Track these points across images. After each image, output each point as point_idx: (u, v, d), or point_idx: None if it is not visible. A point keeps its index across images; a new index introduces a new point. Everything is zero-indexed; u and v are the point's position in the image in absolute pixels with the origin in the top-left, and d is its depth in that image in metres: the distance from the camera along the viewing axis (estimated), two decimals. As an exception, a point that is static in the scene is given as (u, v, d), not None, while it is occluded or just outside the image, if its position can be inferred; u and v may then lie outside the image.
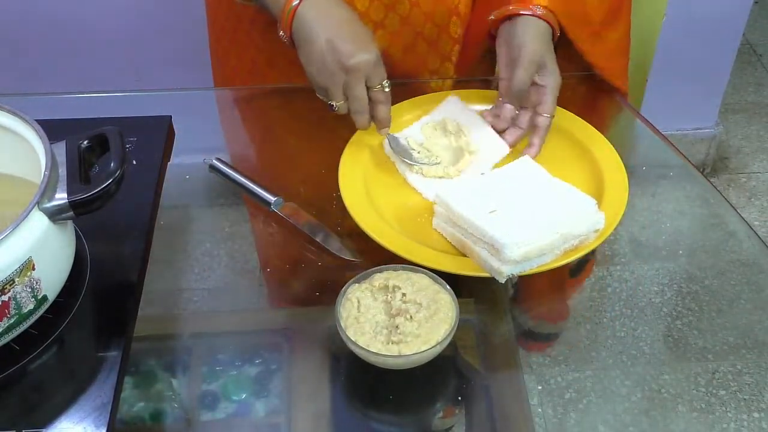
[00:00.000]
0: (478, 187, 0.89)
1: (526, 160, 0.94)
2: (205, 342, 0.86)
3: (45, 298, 0.73)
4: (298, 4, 0.93)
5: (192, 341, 0.87)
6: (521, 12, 0.98)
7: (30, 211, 0.70)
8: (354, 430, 0.78)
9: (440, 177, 0.97)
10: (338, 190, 0.93)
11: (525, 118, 1.00)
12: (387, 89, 0.94)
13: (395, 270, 0.80)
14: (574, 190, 0.88)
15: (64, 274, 0.76)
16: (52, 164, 0.73)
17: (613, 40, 1.10)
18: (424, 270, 0.80)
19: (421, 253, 0.85)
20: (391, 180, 0.98)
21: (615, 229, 0.88)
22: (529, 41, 0.96)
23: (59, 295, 0.76)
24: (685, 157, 1.06)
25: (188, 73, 1.69)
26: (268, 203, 0.94)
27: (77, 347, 0.77)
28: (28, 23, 1.86)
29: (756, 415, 0.78)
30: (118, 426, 0.72)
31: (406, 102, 1.06)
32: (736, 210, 0.98)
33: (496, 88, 1.02)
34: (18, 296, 0.69)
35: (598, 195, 0.91)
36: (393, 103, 0.98)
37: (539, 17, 0.98)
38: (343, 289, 0.78)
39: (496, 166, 0.98)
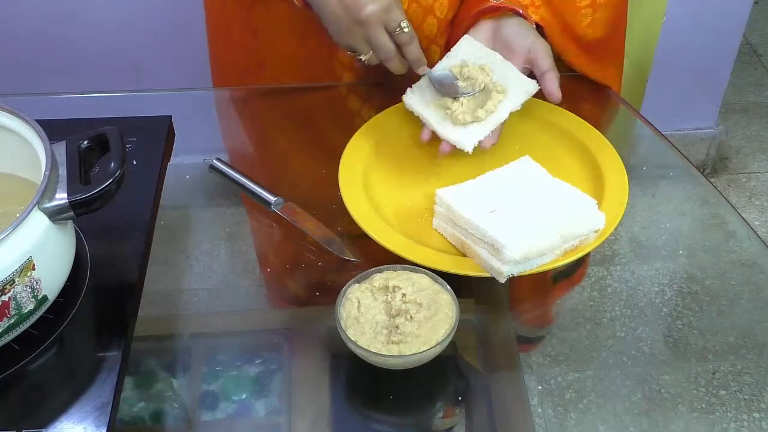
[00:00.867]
0: (478, 187, 0.89)
1: (526, 160, 0.94)
2: (205, 342, 0.86)
3: (45, 298, 0.73)
4: None
5: (192, 341, 0.87)
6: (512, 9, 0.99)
7: (30, 211, 0.70)
8: (354, 430, 0.78)
9: (470, 122, 0.95)
10: (338, 190, 0.93)
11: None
12: (406, 30, 0.92)
13: (395, 270, 0.80)
14: (574, 190, 0.88)
15: (64, 274, 0.76)
16: (52, 164, 0.73)
17: (604, 53, 1.11)
18: (424, 270, 0.80)
19: (421, 253, 0.85)
20: (391, 180, 0.98)
21: (615, 229, 0.88)
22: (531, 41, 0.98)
23: (59, 295, 0.76)
24: (685, 157, 1.06)
25: (188, 73, 1.69)
26: (268, 203, 0.94)
27: (77, 347, 0.77)
28: (28, 23, 1.86)
29: (756, 415, 0.78)
30: (118, 426, 0.72)
31: (399, 105, 1.06)
32: (736, 210, 0.98)
33: None
34: (18, 296, 0.69)
35: (598, 195, 0.91)
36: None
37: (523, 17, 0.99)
38: (343, 289, 0.78)
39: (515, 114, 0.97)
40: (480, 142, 0.95)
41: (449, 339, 0.75)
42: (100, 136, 0.78)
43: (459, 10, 1.07)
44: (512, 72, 0.98)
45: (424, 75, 0.98)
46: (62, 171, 0.74)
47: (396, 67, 0.96)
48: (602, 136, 1.02)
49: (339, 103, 1.15)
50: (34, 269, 0.70)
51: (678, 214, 1.02)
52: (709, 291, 0.92)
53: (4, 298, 0.68)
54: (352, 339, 0.74)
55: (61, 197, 0.72)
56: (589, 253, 0.86)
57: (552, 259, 0.84)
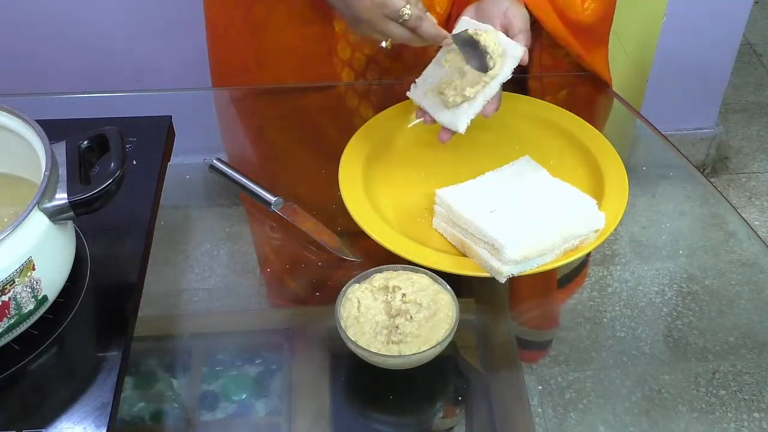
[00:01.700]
0: (478, 187, 0.89)
1: (526, 160, 0.94)
2: (205, 342, 0.86)
3: (45, 298, 0.73)
4: None
5: (192, 341, 0.87)
6: None
7: (30, 211, 0.70)
8: (354, 430, 0.78)
9: (461, 103, 0.92)
10: (338, 190, 0.93)
11: None
12: (407, 16, 0.90)
13: (395, 270, 0.80)
14: (574, 190, 0.88)
15: (64, 274, 0.76)
16: (52, 164, 0.73)
17: (593, 35, 1.10)
18: (424, 270, 0.80)
19: (421, 253, 0.85)
20: (391, 180, 0.98)
21: (615, 229, 0.88)
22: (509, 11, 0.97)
23: (59, 296, 0.76)
24: (685, 157, 1.06)
25: (188, 73, 1.69)
26: (268, 203, 0.94)
27: (77, 347, 0.77)
28: (27, 23, 1.86)
29: (756, 415, 0.78)
30: (119, 426, 0.72)
31: (398, 105, 1.06)
32: (736, 210, 0.98)
33: None
34: (18, 296, 0.69)
35: (598, 195, 0.91)
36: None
37: None
38: (343, 289, 0.78)
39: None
40: (484, 109, 0.93)
41: (449, 339, 0.75)
42: (100, 136, 0.78)
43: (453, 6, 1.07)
44: (502, 38, 0.95)
45: (444, 49, 0.96)
46: (62, 171, 0.74)
47: (418, 44, 0.95)
48: (602, 136, 1.02)
49: (339, 103, 1.15)
50: (34, 269, 0.70)
51: (678, 214, 1.02)
52: (709, 291, 0.92)
53: (4, 298, 0.68)
54: (352, 339, 0.74)
55: (61, 197, 0.72)
56: (590, 255, 0.86)
57: (552, 259, 0.84)
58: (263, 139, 1.15)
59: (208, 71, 1.27)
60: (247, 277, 0.95)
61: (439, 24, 1.04)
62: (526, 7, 0.99)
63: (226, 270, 0.94)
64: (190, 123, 1.07)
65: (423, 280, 0.79)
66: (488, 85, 0.92)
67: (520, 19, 0.97)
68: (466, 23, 1.00)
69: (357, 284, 0.79)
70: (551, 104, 1.08)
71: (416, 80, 0.98)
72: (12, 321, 0.70)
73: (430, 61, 1.00)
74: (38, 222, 0.71)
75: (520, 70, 0.95)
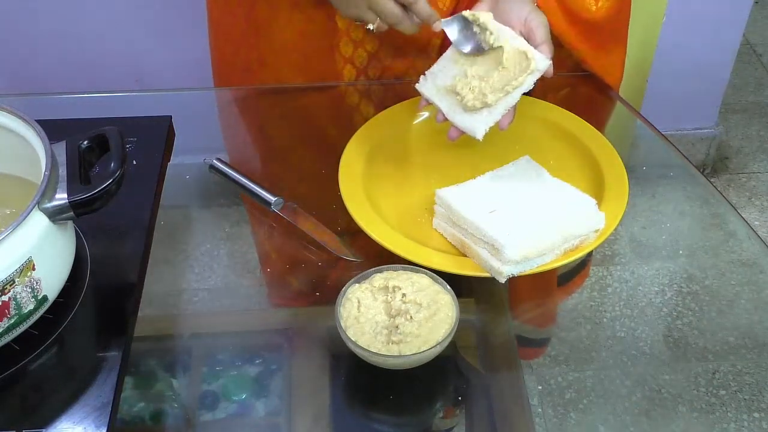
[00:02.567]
0: (478, 187, 0.89)
1: (526, 160, 0.94)
2: (205, 342, 0.86)
3: (45, 298, 0.73)
4: None
5: (192, 341, 0.87)
6: None
7: (30, 211, 0.70)
8: (354, 430, 0.78)
9: (480, 108, 0.90)
10: (338, 190, 0.93)
11: None
12: None
13: (395, 270, 0.80)
14: (574, 190, 0.88)
15: (64, 274, 0.76)
16: (52, 164, 0.73)
17: (607, 37, 1.10)
18: (425, 270, 0.80)
19: (421, 253, 0.85)
20: (391, 180, 0.98)
21: (615, 229, 0.88)
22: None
23: (59, 296, 0.76)
24: (685, 157, 1.06)
25: (188, 73, 1.69)
26: (268, 203, 0.94)
27: (77, 347, 0.77)
28: (27, 23, 1.86)
29: (756, 415, 0.78)
30: (119, 426, 0.72)
31: (398, 105, 1.06)
32: (736, 210, 0.98)
33: None
34: (18, 296, 0.69)
35: (598, 195, 0.91)
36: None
37: None
38: (343, 289, 0.78)
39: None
40: (500, 123, 0.91)
41: (449, 339, 0.75)
42: (100, 136, 0.78)
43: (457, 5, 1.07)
44: (522, 43, 0.93)
45: (439, 61, 0.96)
46: (62, 171, 0.74)
47: (406, 28, 0.94)
48: (602, 136, 1.02)
49: (339, 102, 1.15)
50: (34, 269, 0.70)
51: (678, 214, 1.02)
52: (709, 291, 0.92)
53: (4, 298, 0.68)
54: (352, 339, 0.74)
55: (61, 197, 0.72)
56: (590, 255, 0.86)
57: (552, 259, 0.84)
58: (263, 139, 1.15)
59: (209, 71, 1.27)
60: (247, 277, 0.95)
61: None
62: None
63: (226, 270, 0.94)
64: (190, 123, 1.07)
65: (423, 280, 0.79)
66: (510, 95, 0.90)
67: (542, 30, 0.95)
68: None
69: (357, 284, 0.79)
70: (551, 104, 1.08)
71: (426, 73, 0.96)
72: (12, 321, 0.70)
73: (429, 57, 0.99)
74: (38, 222, 0.71)
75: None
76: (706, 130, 2.29)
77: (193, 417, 0.79)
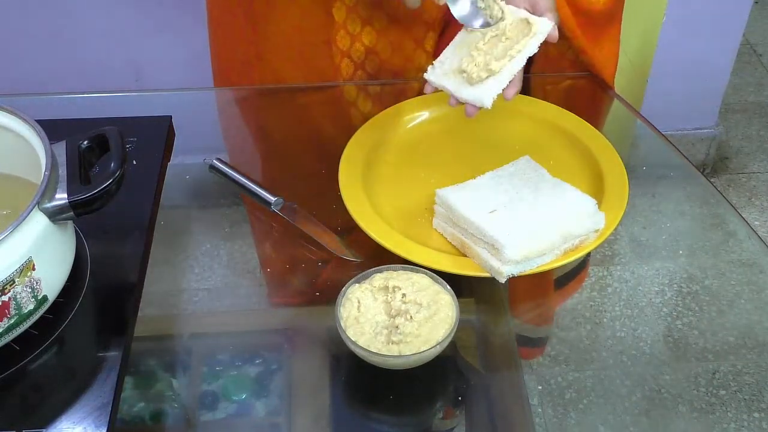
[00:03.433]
0: (478, 187, 0.89)
1: (526, 160, 0.94)
2: (205, 342, 0.86)
3: (45, 298, 0.73)
4: None
5: (192, 341, 0.87)
6: None
7: (30, 211, 0.70)
8: (354, 430, 0.78)
9: (486, 78, 0.89)
10: (338, 190, 0.93)
11: None
12: None
13: (395, 270, 0.80)
14: (574, 190, 0.88)
15: (64, 274, 0.76)
16: (52, 164, 0.73)
17: (604, 24, 1.09)
18: (425, 270, 0.80)
19: (421, 253, 0.85)
20: (391, 180, 0.98)
21: (615, 229, 0.88)
22: None
23: (59, 296, 0.76)
24: (685, 157, 1.06)
25: (188, 73, 1.70)
26: (268, 203, 0.94)
27: (77, 347, 0.77)
28: (27, 23, 1.86)
29: (756, 415, 0.78)
30: (119, 426, 0.72)
31: (398, 105, 1.06)
32: (736, 210, 0.98)
33: None
34: (18, 296, 0.69)
35: (598, 195, 0.91)
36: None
37: None
38: (343, 289, 0.78)
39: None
40: (505, 92, 0.90)
41: (449, 339, 0.75)
42: (100, 136, 0.78)
43: None
44: (525, 13, 0.93)
45: (462, 33, 0.94)
46: (62, 171, 0.74)
47: (411, 2, 0.93)
48: (602, 136, 1.02)
49: (339, 102, 1.15)
50: (34, 269, 0.70)
51: (678, 214, 1.02)
52: (709, 291, 0.92)
53: (4, 298, 0.68)
54: (352, 339, 0.74)
55: (61, 197, 0.72)
56: (590, 255, 0.86)
57: (552, 259, 0.84)
58: (263, 139, 1.15)
59: (208, 71, 1.27)
60: (247, 277, 0.95)
61: (441, 11, 1.02)
62: None
63: (226, 270, 0.94)
64: (190, 123, 1.07)
65: (423, 280, 0.79)
66: (514, 59, 0.89)
67: (546, 1, 0.95)
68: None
69: (357, 284, 0.79)
70: (551, 104, 1.08)
71: (434, 62, 0.95)
72: (12, 321, 0.70)
73: (426, 52, 0.98)
74: (38, 222, 0.71)
75: (523, 70, 0.95)
76: (706, 130, 2.29)
77: (193, 417, 0.79)
